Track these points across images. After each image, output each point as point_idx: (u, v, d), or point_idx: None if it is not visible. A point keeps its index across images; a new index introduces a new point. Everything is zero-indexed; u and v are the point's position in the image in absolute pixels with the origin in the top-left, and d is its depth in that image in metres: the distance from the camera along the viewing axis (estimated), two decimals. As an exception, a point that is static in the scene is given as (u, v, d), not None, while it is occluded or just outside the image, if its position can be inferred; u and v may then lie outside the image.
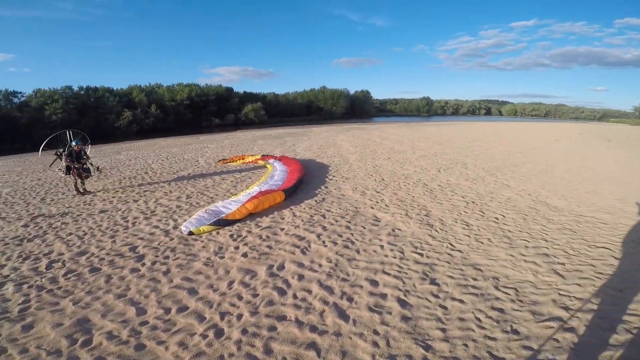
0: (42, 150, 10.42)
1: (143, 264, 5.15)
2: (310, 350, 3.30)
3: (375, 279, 4.61)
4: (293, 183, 9.30)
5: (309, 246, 5.72)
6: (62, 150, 9.35)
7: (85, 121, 41.44)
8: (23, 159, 20.01)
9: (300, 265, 5.05)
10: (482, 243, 5.84)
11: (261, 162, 13.91)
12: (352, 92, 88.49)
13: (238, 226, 6.68)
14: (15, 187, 10.90)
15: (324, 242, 5.88)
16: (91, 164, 9.83)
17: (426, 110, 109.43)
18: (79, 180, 9.57)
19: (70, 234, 6.47)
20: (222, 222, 6.70)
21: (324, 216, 7.21)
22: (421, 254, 5.38)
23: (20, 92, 44.07)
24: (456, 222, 6.87)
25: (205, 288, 4.45)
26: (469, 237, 6.11)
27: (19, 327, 3.69)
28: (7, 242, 6.10)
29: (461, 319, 3.76)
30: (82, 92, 46.59)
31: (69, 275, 4.83)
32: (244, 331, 3.57)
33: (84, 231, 6.59)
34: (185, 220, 7.02)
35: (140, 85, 55.02)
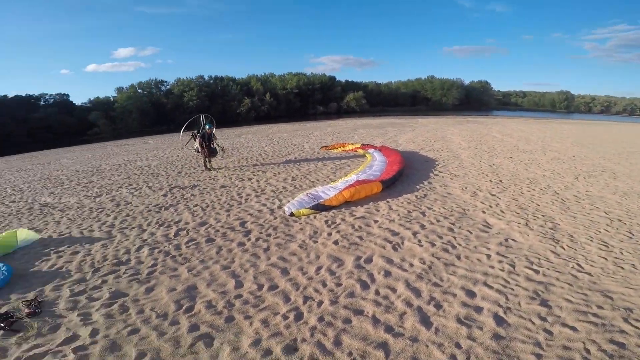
0: (183, 131, 12.58)
1: (249, 239, 5.73)
2: (379, 350, 3.16)
3: (472, 290, 4.13)
4: (392, 175, 9.00)
5: (402, 243, 5.47)
6: (196, 131, 11.12)
7: (214, 107, 48.49)
8: (168, 138, 24.66)
9: (389, 261, 4.87)
10: (622, 269, 4.63)
11: (361, 151, 13.90)
12: (466, 82, 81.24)
13: (334, 212, 6.84)
14: (160, 161, 13.52)
15: (419, 241, 5.54)
16: (217, 145, 11.44)
17: (564, 105, 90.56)
18: (207, 158, 11.28)
19: (196, 205, 7.66)
20: (320, 207, 6.98)
21: (423, 214, 6.78)
22: (537, 271, 4.57)
23: (166, 81, 54.62)
24: (591, 240, 5.59)
25: (296, 270, 4.70)
26: (606, 259, 4.91)
27: (143, 289, 4.35)
28: (150, 209, 7.56)
29: (565, 348, 3.11)
30: (211, 81, 54.71)
31: (189, 244, 5.67)
32: (321, 319, 3.62)
33: (206, 203, 7.72)
34: (289, 201, 7.54)
35: (257, 75, 61.28)
